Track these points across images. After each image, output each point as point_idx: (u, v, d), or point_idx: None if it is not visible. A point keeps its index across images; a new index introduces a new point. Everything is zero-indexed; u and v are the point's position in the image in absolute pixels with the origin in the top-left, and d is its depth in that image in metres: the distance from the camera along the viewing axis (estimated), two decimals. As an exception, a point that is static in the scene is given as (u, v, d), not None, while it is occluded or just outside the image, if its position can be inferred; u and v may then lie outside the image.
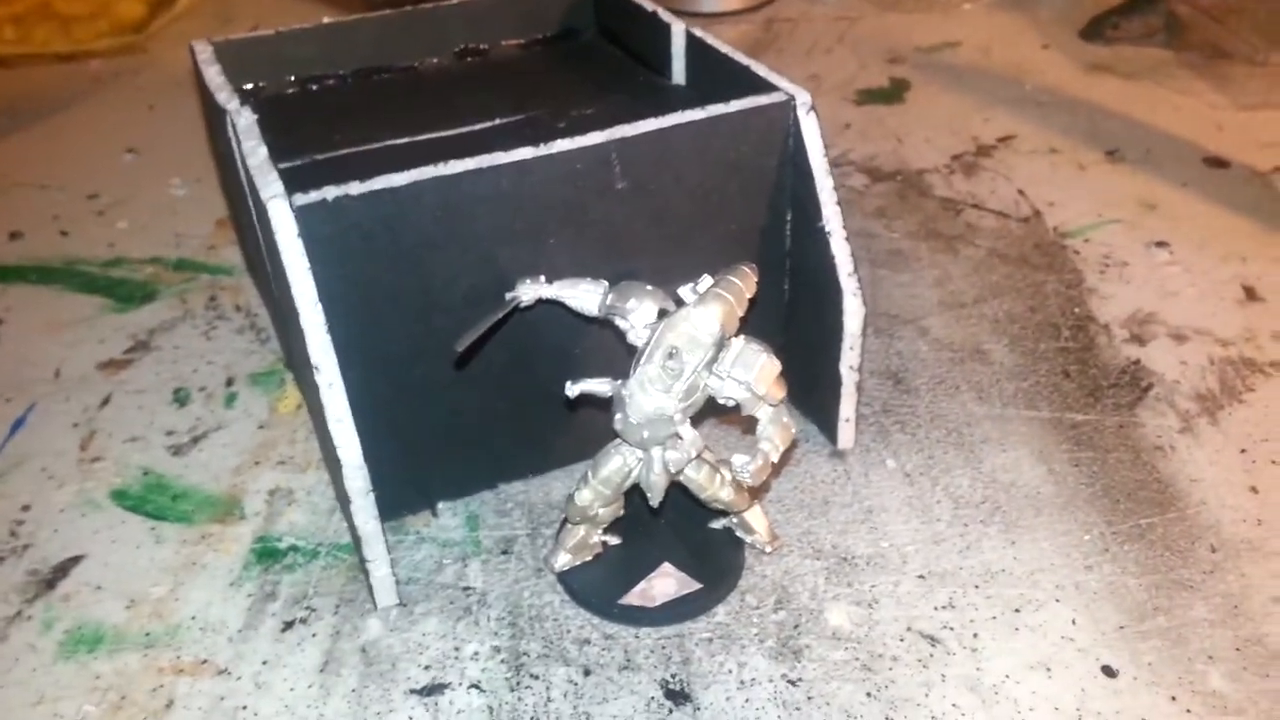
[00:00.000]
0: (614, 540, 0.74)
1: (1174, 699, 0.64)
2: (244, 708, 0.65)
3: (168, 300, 1.03)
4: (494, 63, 1.03)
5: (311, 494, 0.80)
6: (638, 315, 0.66)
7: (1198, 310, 0.98)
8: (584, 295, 0.69)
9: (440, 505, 0.78)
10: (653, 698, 0.65)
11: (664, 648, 0.68)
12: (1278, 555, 0.73)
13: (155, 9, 1.68)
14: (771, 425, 0.66)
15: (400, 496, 0.76)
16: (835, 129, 1.31)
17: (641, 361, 0.64)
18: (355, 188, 0.66)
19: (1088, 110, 1.36)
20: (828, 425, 0.83)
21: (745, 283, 0.67)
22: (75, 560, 0.75)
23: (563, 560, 0.72)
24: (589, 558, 0.73)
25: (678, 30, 0.91)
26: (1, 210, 1.19)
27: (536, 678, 0.66)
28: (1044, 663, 0.66)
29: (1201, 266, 1.04)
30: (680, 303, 0.65)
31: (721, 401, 0.65)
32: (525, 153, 0.69)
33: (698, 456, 0.67)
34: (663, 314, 0.66)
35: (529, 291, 0.69)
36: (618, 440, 0.67)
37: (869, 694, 0.65)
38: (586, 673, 0.67)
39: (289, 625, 0.70)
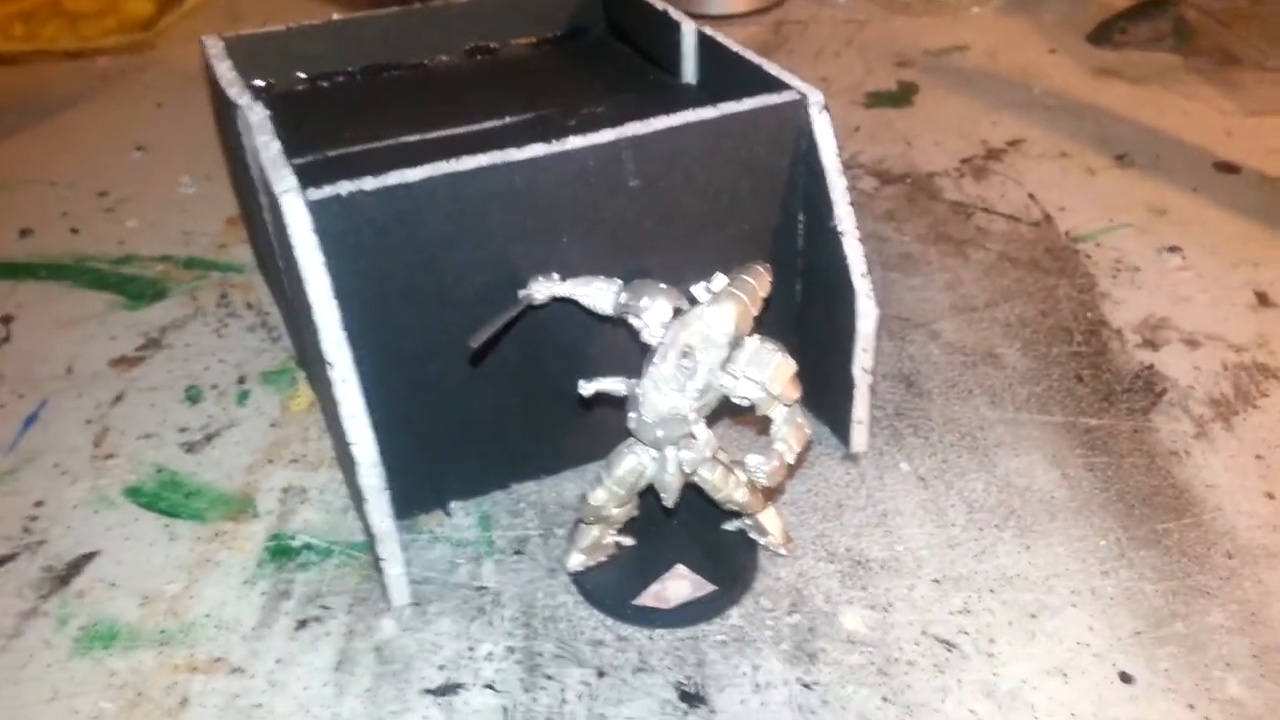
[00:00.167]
0: (628, 541, 0.73)
1: (1191, 706, 0.64)
2: (258, 706, 0.65)
3: (179, 298, 1.03)
4: (504, 61, 1.03)
5: (324, 492, 0.80)
6: (652, 314, 0.66)
7: (1210, 315, 0.97)
8: (597, 293, 0.69)
9: (453, 504, 0.78)
10: (667, 700, 0.65)
11: (678, 650, 0.68)
12: (1293, 561, 0.73)
13: (164, 6, 1.67)
14: (786, 425, 0.65)
15: (413, 495, 0.76)
16: (844, 132, 1.31)
17: (655, 360, 0.64)
18: (369, 183, 0.66)
19: (1096, 115, 1.36)
20: (840, 427, 0.83)
21: (759, 282, 0.66)
22: (89, 557, 0.75)
23: (577, 561, 0.72)
24: (603, 558, 0.73)
25: (688, 29, 0.91)
26: (11, 207, 1.19)
27: (551, 678, 0.66)
28: (1060, 668, 0.66)
29: (1213, 272, 1.04)
30: (694, 301, 0.65)
31: (736, 401, 0.65)
32: (538, 150, 0.69)
33: (712, 456, 0.67)
34: (677, 313, 0.65)
35: (542, 289, 0.69)
36: (632, 440, 0.67)
37: (885, 698, 0.65)
38: (601, 674, 0.66)
39: (303, 624, 0.70)
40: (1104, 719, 0.63)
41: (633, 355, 0.67)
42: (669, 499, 0.68)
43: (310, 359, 0.79)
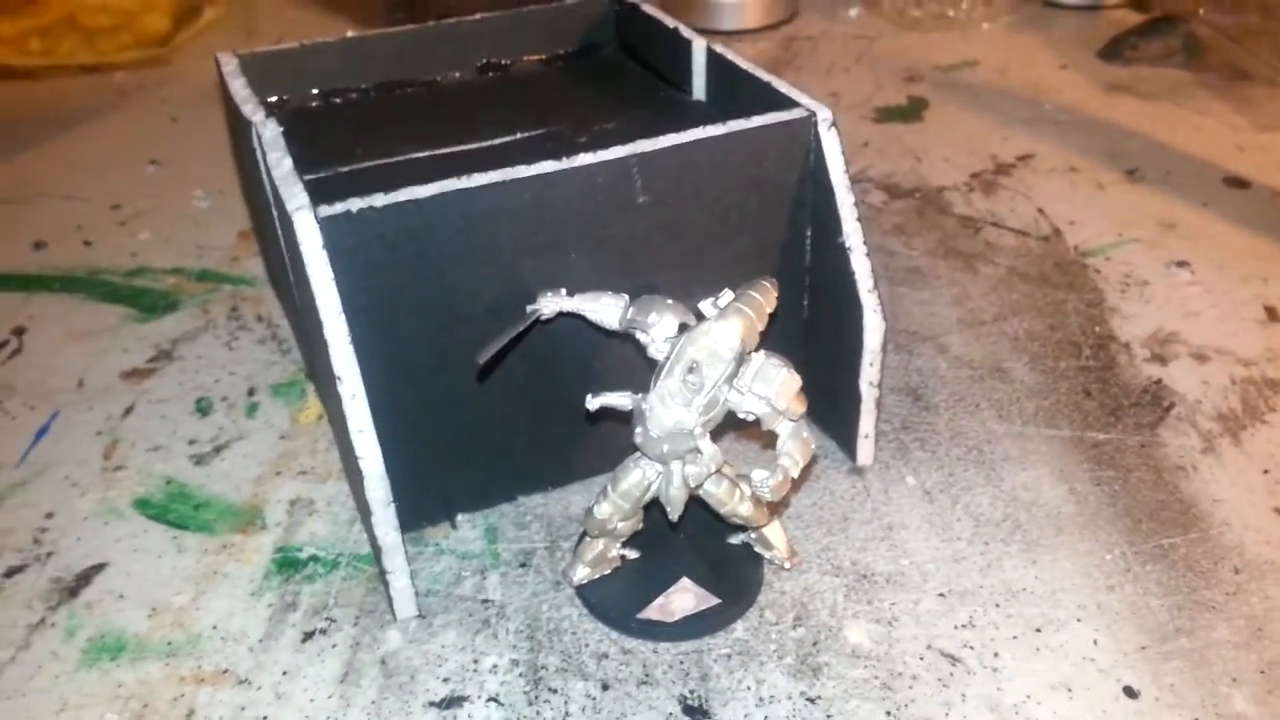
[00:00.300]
0: (633, 554, 0.74)
1: (1196, 720, 0.64)
2: (264, 718, 0.65)
3: (190, 310, 1.04)
4: (515, 78, 1.04)
5: (332, 504, 0.80)
6: (658, 329, 0.66)
7: (1219, 330, 0.97)
8: (605, 309, 0.69)
9: (459, 517, 0.79)
10: (671, 714, 0.65)
11: (682, 663, 0.68)
12: (1300, 577, 0.73)
13: (179, 22, 1.69)
14: (791, 440, 0.65)
15: (420, 508, 0.77)
16: (854, 147, 1.32)
17: (662, 375, 0.64)
18: (379, 199, 0.66)
19: (1107, 130, 1.36)
20: (847, 441, 0.83)
21: (766, 297, 0.67)
22: (98, 568, 0.76)
23: (581, 574, 0.72)
24: (607, 571, 0.73)
25: (698, 46, 0.91)
26: (25, 220, 1.20)
27: (555, 692, 0.66)
28: (1065, 683, 0.66)
29: (1222, 287, 1.04)
30: (701, 317, 0.66)
31: (741, 416, 0.65)
32: (547, 166, 0.70)
33: (717, 471, 0.67)
34: (683, 328, 0.66)
35: (550, 304, 0.69)
36: (637, 454, 0.67)
37: (888, 713, 0.65)
38: (605, 687, 0.66)
39: (309, 636, 0.70)
40: (1108, 734, 0.63)
41: (640, 370, 0.67)
42: (674, 513, 0.68)
43: (319, 372, 0.80)
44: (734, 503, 0.69)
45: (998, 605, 0.71)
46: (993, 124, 1.38)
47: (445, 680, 0.67)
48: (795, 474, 0.65)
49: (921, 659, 0.68)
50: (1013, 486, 0.81)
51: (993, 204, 1.19)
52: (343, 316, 0.65)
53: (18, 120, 1.45)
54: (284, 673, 0.68)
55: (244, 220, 1.16)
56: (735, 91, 0.86)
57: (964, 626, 0.70)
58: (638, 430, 0.65)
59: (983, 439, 0.85)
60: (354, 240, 0.66)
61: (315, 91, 0.99)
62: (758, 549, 0.74)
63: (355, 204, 0.66)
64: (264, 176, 0.76)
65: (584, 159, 0.70)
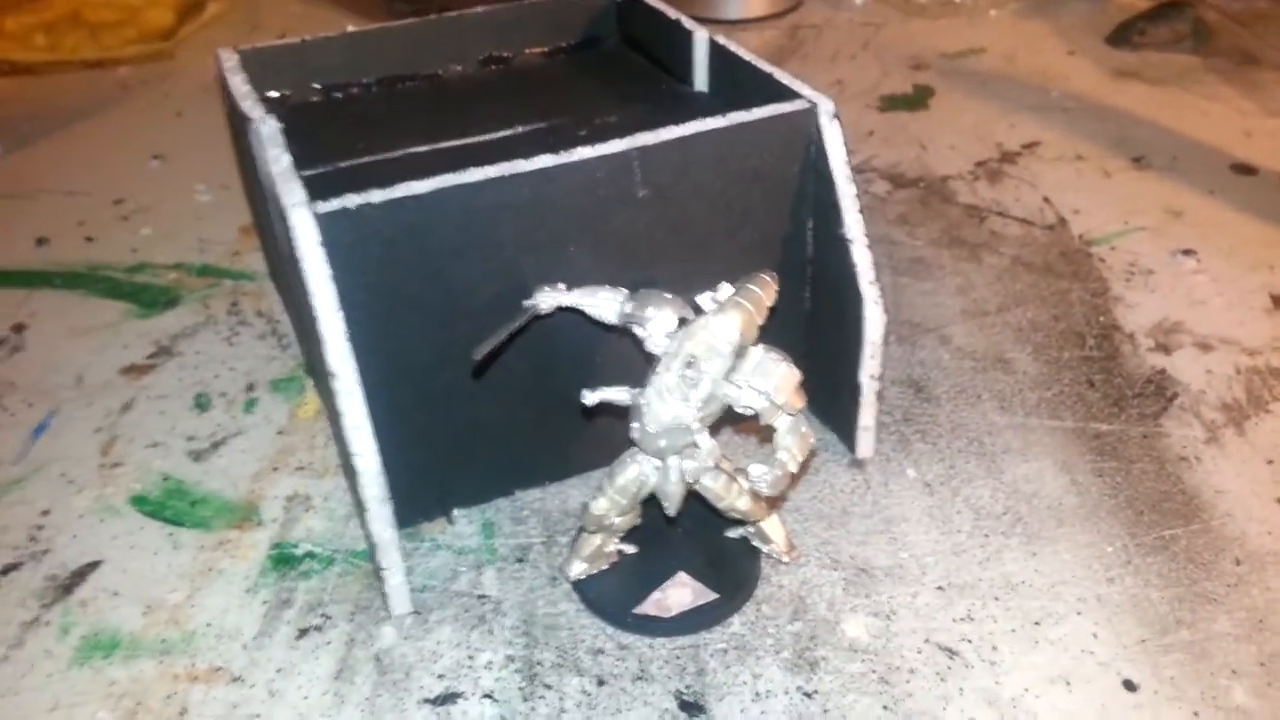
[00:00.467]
0: (630, 549, 0.73)
1: (1196, 714, 0.63)
2: (257, 716, 0.65)
3: (191, 306, 1.04)
4: (517, 71, 1.03)
5: (329, 500, 0.80)
6: (656, 324, 0.66)
7: (1224, 319, 0.97)
8: (603, 303, 0.69)
9: (456, 512, 0.78)
10: (667, 709, 0.65)
11: (679, 658, 0.68)
12: (1304, 569, 0.72)
13: (183, 17, 1.69)
14: (790, 435, 0.65)
15: (417, 502, 0.76)
16: (859, 135, 1.31)
17: (659, 370, 0.64)
18: (377, 195, 0.66)
19: (1114, 116, 1.35)
20: (847, 434, 0.83)
21: (765, 291, 0.66)
22: (93, 566, 0.76)
23: (578, 569, 0.72)
24: (605, 566, 0.72)
25: (700, 38, 0.91)
26: (28, 216, 1.20)
27: (550, 688, 0.66)
28: (1064, 676, 0.66)
29: (1228, 275, 1.03)
30: (699, 311, 0.65)
31: (740, 410, 0.65)
32: (547, 161, 0.69)
33: (715, 466, 0.66)
34: (682, 322, 0.65)
35: (548, 299, 0.69)
36: (634, 449, 0.67)
37: (885, 707, 0.64)
38: (600, 683, 0.66)
39: (304, 632, 0.70)
40: (1108, 729, 0.63)
41: (638, 364, 0.67)
42: (671, 508, 0.68)
43: (318, 368, 0.80)
44: (731, 497, 0.68)
45: (997, 598, 0.71)
46: (999, 111, 1.37)
47: (440, 677, 0.67)
48: (793, 469, 0.65)
49: (919, 653, 0.68)
50: (1014, 478, 0.80)
51: (998, 192, 1.18)
52: (340, 313, 0.65)
53: (21, 115, 1.44)
54: (278, 670, 0.68)
55: (245, 215, 1.16)
56: (738, 83, 0.86)
57: (963, 620, 0.69)
58: (635, 425, 0.64)
59: (984, 431, 0.85)
60: (352, 236, 0.66)
61: (316, 86, 0.98)
62: (756, 543, 0.74)
63: (353, 200, 0.66)
64: (263, 172, 0.76)
65: (584, 153, 0.70)
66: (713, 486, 0.68)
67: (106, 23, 1.63)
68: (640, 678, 0.66)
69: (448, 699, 0.66)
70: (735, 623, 0.70)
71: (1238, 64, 1.46)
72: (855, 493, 0.79)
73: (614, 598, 0.71)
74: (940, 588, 0.72)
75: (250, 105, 0.80)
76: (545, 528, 0.77)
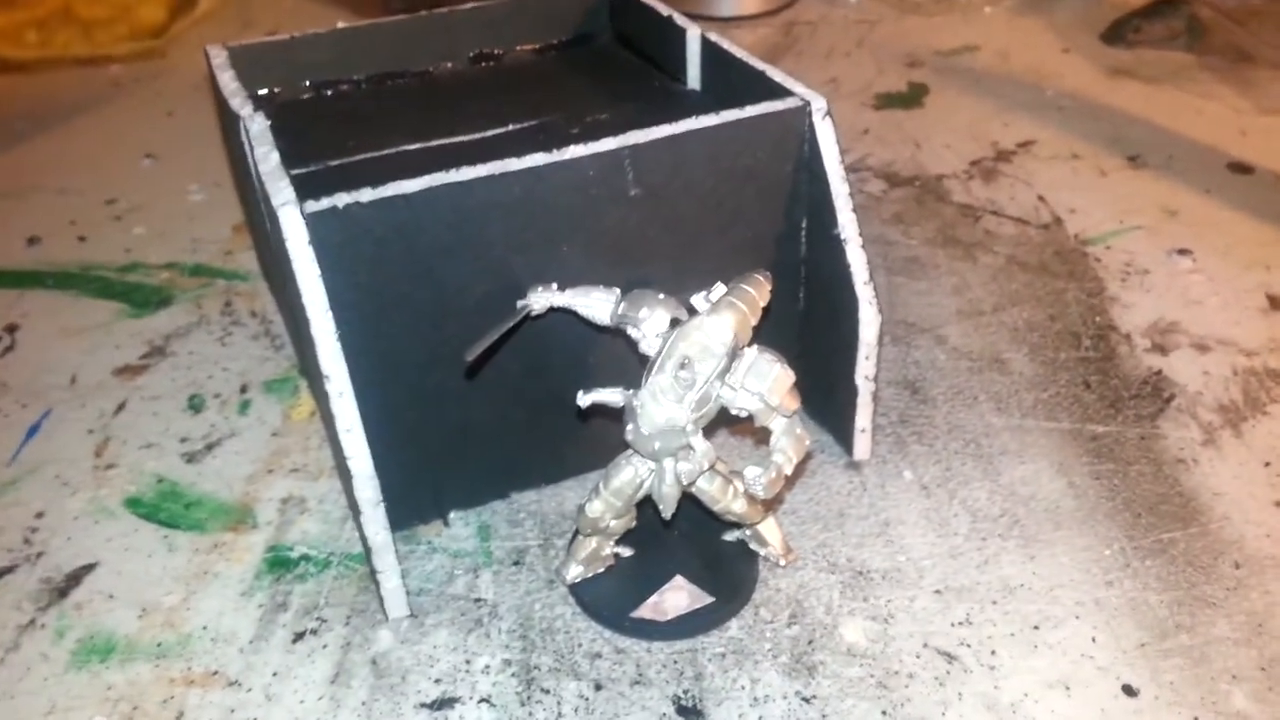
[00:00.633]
0: (626, 552, 0.73)
1: (1196, 719, 0.63)
2: (253, 720, 0.65)
3: (184, 306, 1.03)
4: (508, 68, 1.03)
5: (324, 502, 0.80)
6: (649, 324, 0.66)
7: (1221, 319, 0.96)
8: (596, 304, 0.68)
9: (452, 515, 0.78)
10: (664, 714, 0.64)
11: (676, 662, 0.67)
12: (1302, 571, 0.72)
13: (175, 13, 1.68)
14: (785, 437, 0.65)
15: (412, 505, 0.76)
16: (853, 134, 1.30)
17: (653, 371, 0.63)
18: (367, 194, 0.66)
19: (1109, 115, 1.35)
20: (843, 436, 0.82)
21: (759, 291, 0.66)
22: (88, 568, 0.75)
23: (574, 572, 0.72)
24: (601, 569, 0.72)
25: (693, 35, 0.90)
26: (19, 215, 1.20)
27: (547, 692, 0.66)
28: (1063, 681, 0.65)
29: (1225, 275, 1.03)
30: (693, 311, 0.65)
31: (734, 412, 0.65)
32: (538, 159, 0.69)
33: (710, 468, 0.66)
34: (675, 323, 0.65)
35: (540, 300, 0.69)
36: (629, 451, 0.66)
37: (884, 712, 0.64)
38: (598, 687, 0.66)
39: (300, 636, 0.70)
40: (1106, 733, 0.63)
41: (632, 366, 0.66)
42: (666, 511, 0.67)
43: (310, 369, 0.79)
44: (727, 499, 0.68)
45: (995, 602, 0.70)
46: (994, 110, 1.37)
47: (437, 681, 0.67)
48: (789, 470, 0.64)
49: (918, 657, 0.67)
50: (1011, 481, 0.80)
51: (993, 191, 1.18)
52: (330, 313, 0.64)
53: (12, 114, 1.44)
54: (274, 674, 0.67)
55: (238, 214, 1.15)
56: (731, 81, 0.85)
57: (961, 624, 0.69)
58: (629, 427, 0.64)
59: (981, 432, 0.84)
60: (341, 236, 0.65)
61: (307, 83, 0.98)
62: (753, 546, 0.73)
63: (342, 199, 0.65)
64: (252, 171, 0.76)
65: (575, 151, 0.69)
66: (708, 489, 0.67)
67: (98, 19, 1.62)
68: (638, 682, 0.66)
69: (445, 703, 0.65)
70: (733, 626, 0.69)
71: (1233, 61, 1.46)
72: (852, 495, 0.79)
73: (611, 601, 0.70)
74: (938, 591, 0.71)
75: (239, 102, 0.79)
76: (541, 530, 0.77)
